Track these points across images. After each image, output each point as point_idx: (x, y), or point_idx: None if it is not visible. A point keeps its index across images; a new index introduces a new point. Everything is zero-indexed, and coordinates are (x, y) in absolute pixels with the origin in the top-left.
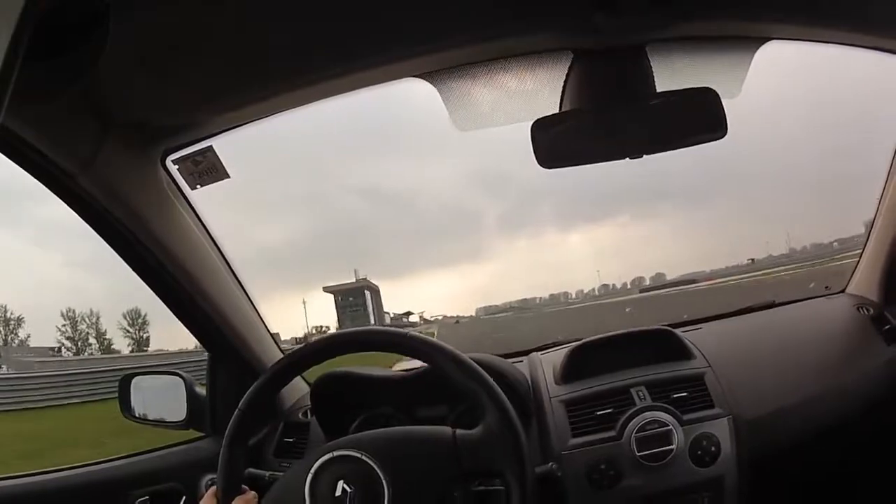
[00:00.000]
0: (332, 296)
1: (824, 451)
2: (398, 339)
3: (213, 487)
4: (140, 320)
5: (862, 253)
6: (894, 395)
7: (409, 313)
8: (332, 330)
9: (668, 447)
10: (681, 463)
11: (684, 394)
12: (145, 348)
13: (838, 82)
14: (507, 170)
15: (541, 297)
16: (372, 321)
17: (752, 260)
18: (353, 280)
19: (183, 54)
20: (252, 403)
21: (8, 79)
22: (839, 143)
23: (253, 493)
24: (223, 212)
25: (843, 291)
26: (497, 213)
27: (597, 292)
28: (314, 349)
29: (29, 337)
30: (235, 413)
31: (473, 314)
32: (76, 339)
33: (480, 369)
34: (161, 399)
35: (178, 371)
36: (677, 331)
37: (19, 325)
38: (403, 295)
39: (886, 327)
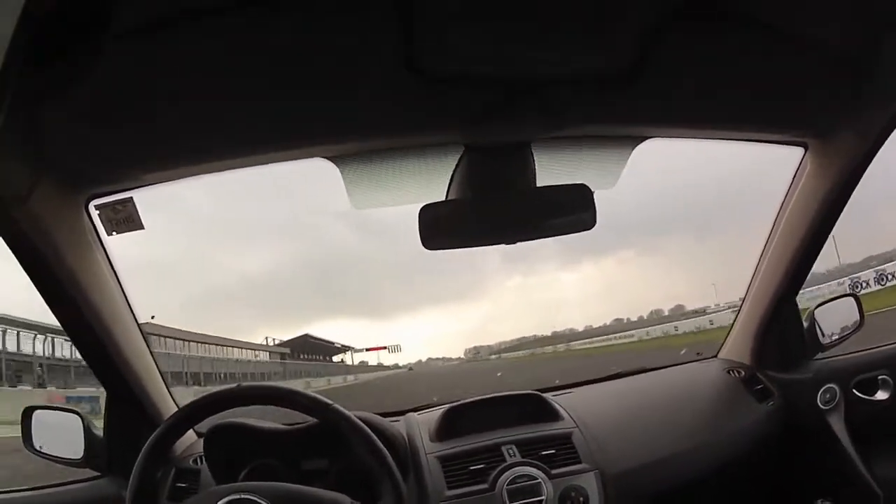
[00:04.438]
0: None
1: (695, 500)
2: (308, 403)
3: None
4: None
5: (734, 321)
6: (768, 447)
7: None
8: None
9: (538, 498)
10: None
11: (552, 451)
12: None
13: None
14: None
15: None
16: None
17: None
18: None
19: (119, 113)
20: (153, 453)
21: (8, 79)
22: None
23: None
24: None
25: (715, 357)
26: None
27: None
28: (210, 401)
29: None
30: (136, 465)
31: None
32: None
33: (386, 452)
34: (61, 435)
35: (77, 410)
36: (547, 395)
37: None
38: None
39: (758, 387)
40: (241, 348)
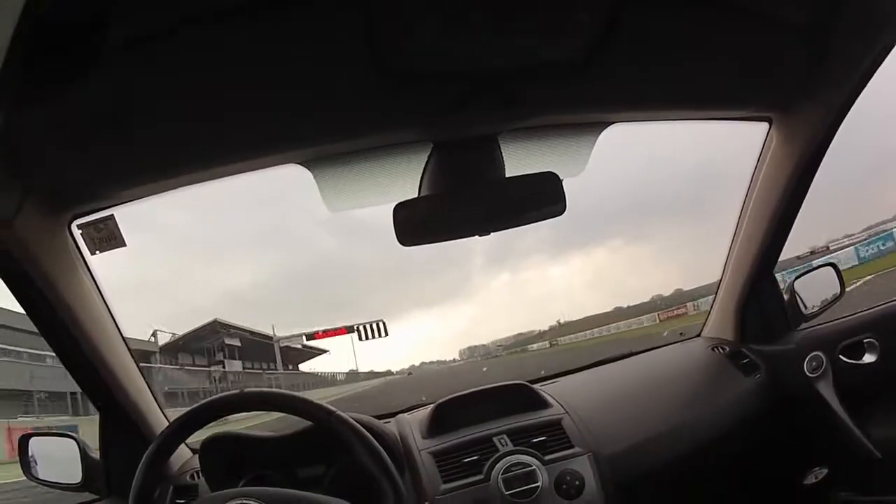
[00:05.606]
0: None
1: (688, 475)
2: (311, 410)
3: None
4: None
5: (714, 299)
6: (758, 419)
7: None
8: None
9: (533, 484)
10: (548, 498)
11: (543, 438)
12: None
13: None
14: None
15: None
16: None
17: None
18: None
19: (100, 131)
20: (151, 465)
21: (8, 79)
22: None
23: None
24: None
25: (698, 336)
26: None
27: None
28: (209, 406)
29: None
30: (136, 478)
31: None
32: None
33: (385, 454)
34: (59, 460)
35: (72, 433)
36: (535, 385)
37: None
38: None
39: (744, 361)
40: None
